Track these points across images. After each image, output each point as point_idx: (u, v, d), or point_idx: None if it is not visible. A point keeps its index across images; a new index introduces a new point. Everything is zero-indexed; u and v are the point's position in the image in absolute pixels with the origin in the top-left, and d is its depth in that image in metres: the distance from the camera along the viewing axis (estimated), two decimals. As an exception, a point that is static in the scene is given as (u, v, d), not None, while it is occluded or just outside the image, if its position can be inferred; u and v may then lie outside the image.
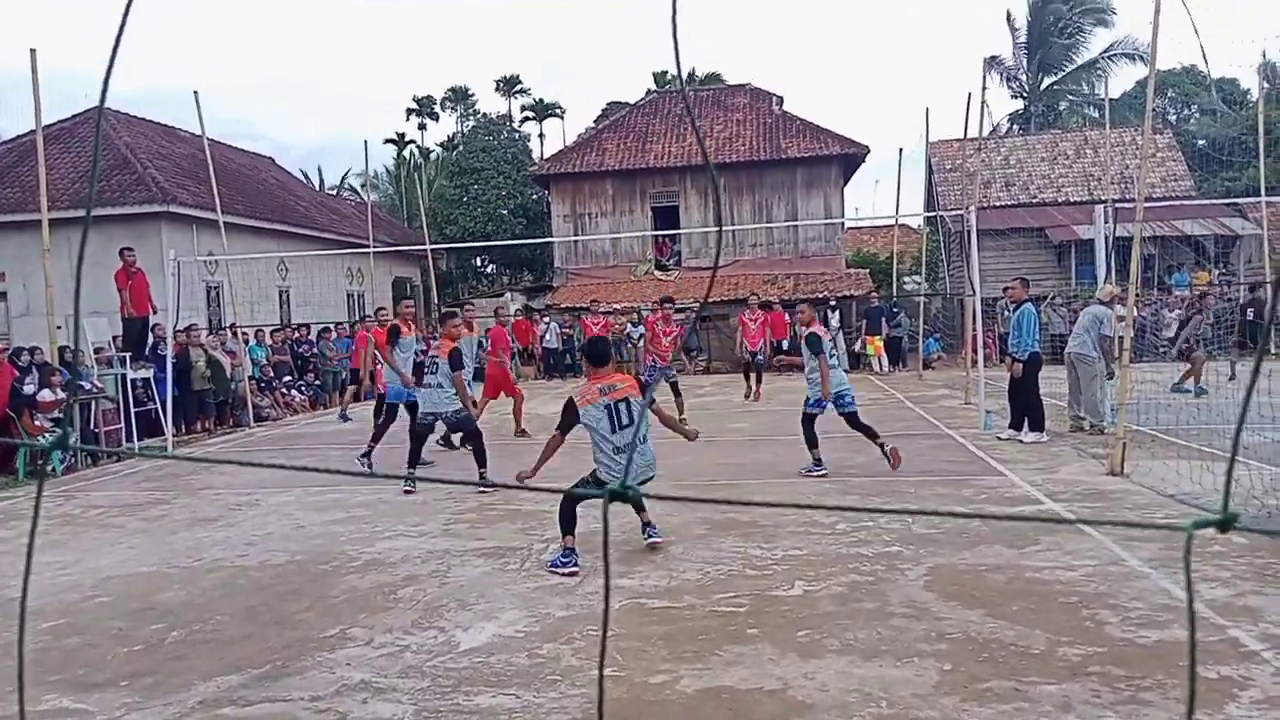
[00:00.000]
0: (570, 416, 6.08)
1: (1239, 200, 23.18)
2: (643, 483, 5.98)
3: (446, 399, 8.82)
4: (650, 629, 4.75)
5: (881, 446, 8.61)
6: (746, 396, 15.64)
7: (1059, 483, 8.05)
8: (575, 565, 5.88)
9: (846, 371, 9.11)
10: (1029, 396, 10.38)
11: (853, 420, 8.79)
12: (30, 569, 1.04)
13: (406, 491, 8.63)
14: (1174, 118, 39.96)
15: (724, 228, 25.45)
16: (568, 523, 6.00)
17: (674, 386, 12.89)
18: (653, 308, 14.88)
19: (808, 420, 8.90)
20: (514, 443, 11.33)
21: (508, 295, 28.87)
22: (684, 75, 0.91)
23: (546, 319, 23.60)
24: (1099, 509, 7.02)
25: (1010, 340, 10.75)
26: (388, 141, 47.24)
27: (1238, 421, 0.90)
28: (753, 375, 15.93)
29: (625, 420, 6.02)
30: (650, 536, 6.31)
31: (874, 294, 23.51)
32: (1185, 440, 9.13)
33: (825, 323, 22.88)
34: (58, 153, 19.58)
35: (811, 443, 8.85)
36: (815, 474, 8.71)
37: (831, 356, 8.95)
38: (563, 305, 25.33)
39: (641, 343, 23.18)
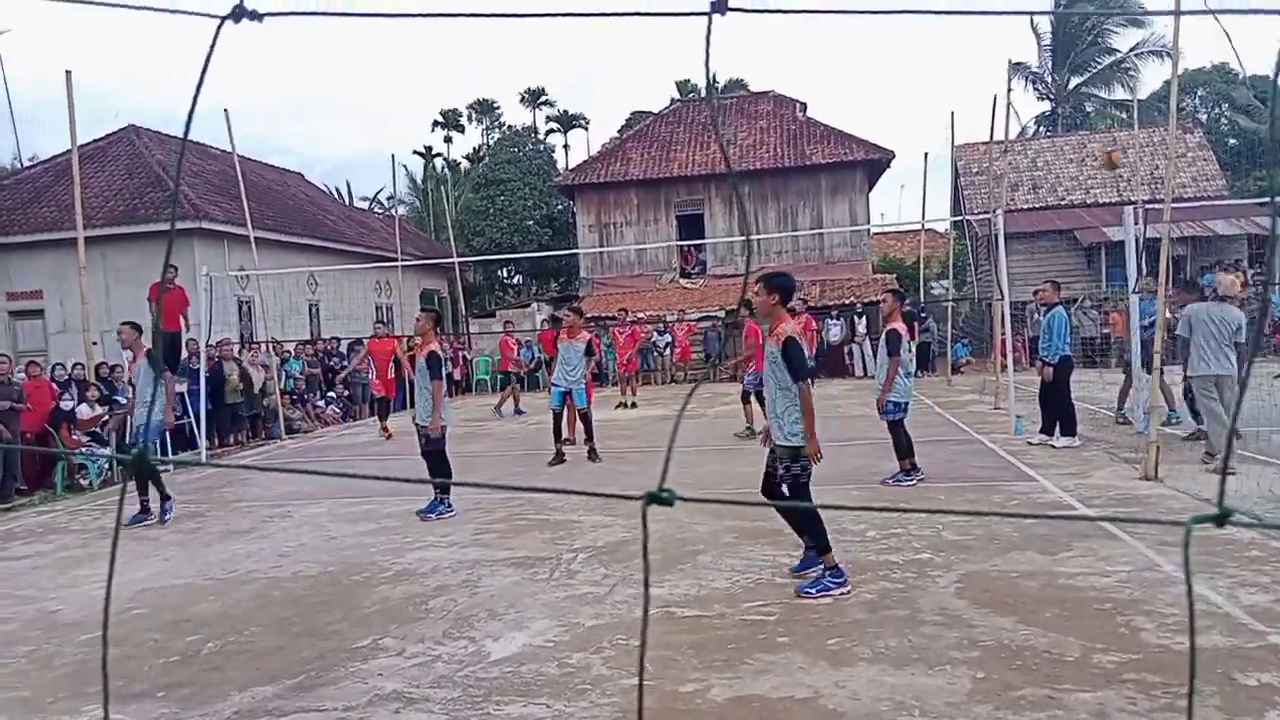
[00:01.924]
0: (802, 365, 5.43)
1: (1275, 199, 22.81)
2: (794, 449, 5.46)
3: (424, 411, 8.19)
4: (680, 638, 4.75)
5: (910, 467, 8.37)
6: (748, 434, 14.66)
7: (1092, 488, 7.96)
8: (844, 582, 5.38)
9: (911, 376, 8.77)
10: (1060, 400, 10.27)
11: (896, 427, 8.40)
12: (112, 574, 1.06)
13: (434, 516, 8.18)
14: (1204, 116, 39.45)
15: (751, 236, 25.45)
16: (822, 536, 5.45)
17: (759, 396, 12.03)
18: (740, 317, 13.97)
19: (896, 427, 8.42)
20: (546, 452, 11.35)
21: (534, 305, 29.00)
22: (712, 84, 0.93)
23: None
24: (1132, 514, 6.94)
25: (1041, 344, 10.62)
26: (415, 154, 47.68)
27: (1230, 423, 0.91)
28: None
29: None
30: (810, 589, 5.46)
31: (908, 300, 23.37)
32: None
33: (852, 329, 22.95)
34: (92, 172, 19.94)
35: (901, 451, 8.42)
36: (905, 484, 8.35)
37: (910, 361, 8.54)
38: (589, 315, 25.39)
39: (669, 351, 23.30)
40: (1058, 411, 10.30)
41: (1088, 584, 5.28)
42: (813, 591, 5.33)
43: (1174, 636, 4.40)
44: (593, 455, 10.92)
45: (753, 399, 12.02)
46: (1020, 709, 3.73)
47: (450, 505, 8.28)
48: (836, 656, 4.40)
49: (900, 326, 8.46)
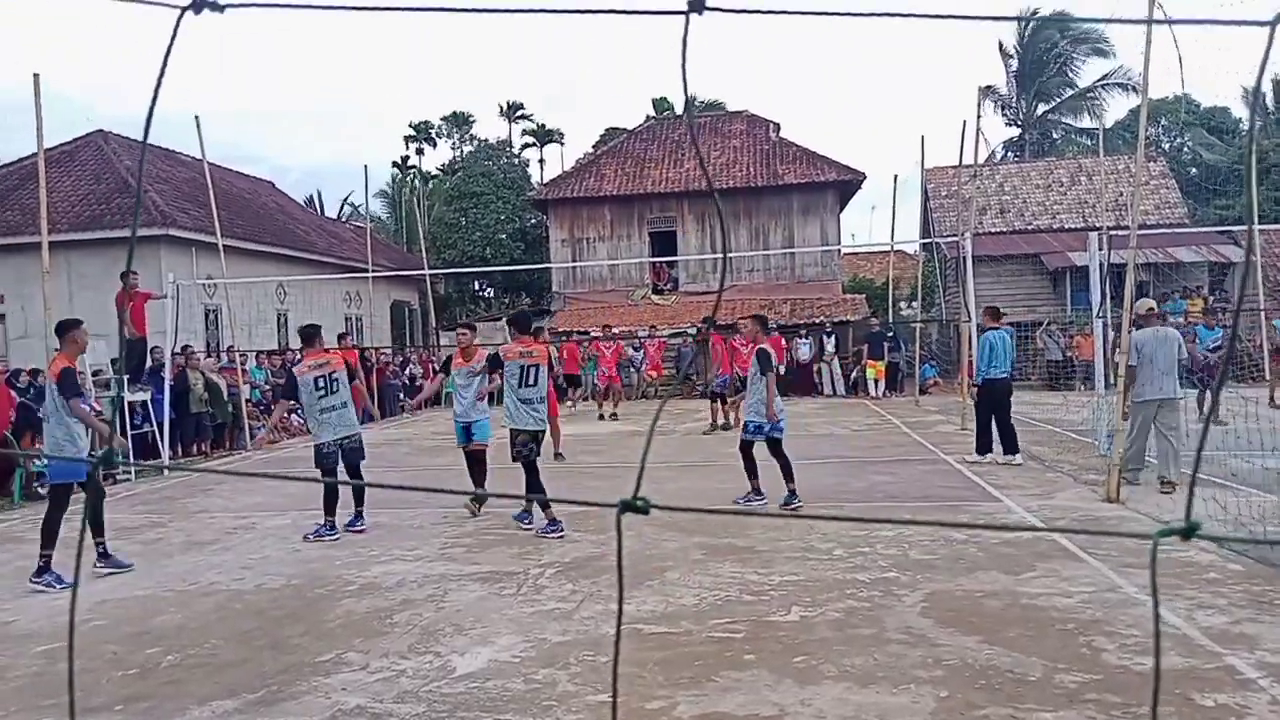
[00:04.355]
0: (496, 362, 8.16)
1: (1233, 228, 23.32)
2: (534, 433, 7.83)
3: (353, 419, 8.18)
4: (647, 654, 4.74)
5: (792, 492, 8.18)
6: (711, 430, 14.84)
7: (1055, 509, 8.06)
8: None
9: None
10: (981, 419, 10.79)
11: (775, 447, 8.39)
12: (77, 586, 1.05)
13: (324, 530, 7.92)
14: (1167, 145, 40.27)
15: (729, 254, 25.60)
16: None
17: (721, 397, 14.93)
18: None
19: (750, 446, 8.49)
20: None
21: (505, 319, 28.92)
22: (689, 101, 0.94)
23: (545, 343, 23.62)
24: (1095, 536, 7.04)
25: (979, 366, 11.10)
26: (393, 164, 47.45)
27: (1199, 440, 0.94)
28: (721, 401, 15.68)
29: (531, 381, 7.78)
30: (520, 520, 7.87)
31: (874, 319, 23.61)
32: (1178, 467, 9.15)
33: (821, 348, 23.11)
34: (58, 176, 19.66)
35: (751, 471, 8.48)
36: (755, 502, 8.40)
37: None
38: (561, 330, 25.39)
39: (644, 367, 23.34)
40: (985, 431, 10.72)
41: (1050, 604, 5.34)
42: None
43: (1134, 657, 4.46)
44: (475, 505, 8.56)
45: (717, 400, 14.87)
46: (983, 728, 3.76)
47: (363, 517, 8.16)
48: (803, 674, 4.41)
49: (769, 346, 8.71)
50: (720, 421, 14.91)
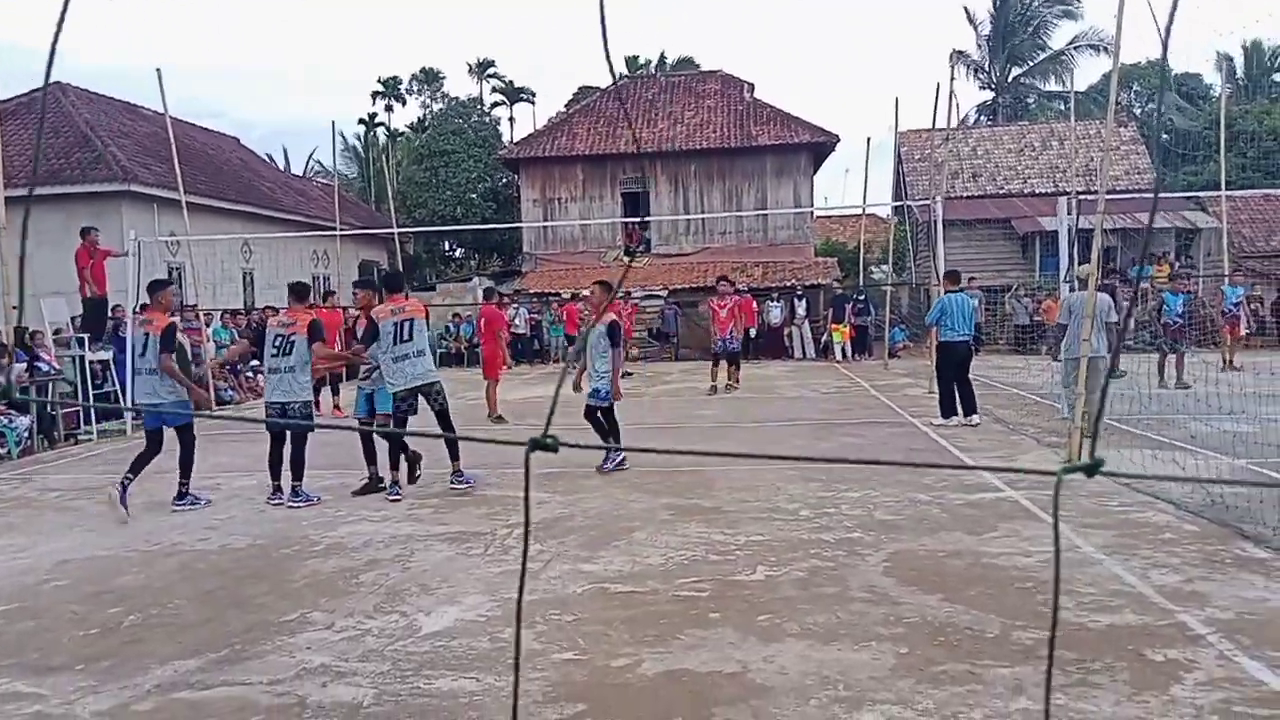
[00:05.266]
0: (372, 330, 7.74)
1: (1200, 194, 23.56)
2: (413, 389, 7.65)
3: (300, 386, 7.76)
4: (613, 613, 4.78)
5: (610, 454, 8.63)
6: (713, 390, 14.92)
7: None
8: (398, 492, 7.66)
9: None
10: (944, 382, 11.00)
11: (608, 414, 8.78)
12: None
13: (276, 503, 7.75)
14: (1139, 111, 40.49)
15: (679, 216, 25.45)
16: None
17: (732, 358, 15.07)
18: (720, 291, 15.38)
19: (596, 412, 8.78)
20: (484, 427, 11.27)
21: (475, 280, 28.70)
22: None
23: (515, 304, 23.55)
24: (1054, 496, 7.15)
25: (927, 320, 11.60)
26: (360, 122, 46.68)
27: (1101, 396, 0.96)
28: (726, 363, 15.83)
29: (405, 336, 7.61)
30: (455, 482, 7.68)
31: (836, 283, 23.72)
32: (1139, 430, 9.32)
33: (792, 312, 23.17)
34: (14, 129, 19.13)
35: (614, 433, 8.82)
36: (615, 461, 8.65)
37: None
38: (531, 290, 25.28)
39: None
40: (948, 395, 10.94)
41: (1010, 564, 5.43)
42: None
43: (1090, 615, 4.55)
44: (369, 487, 8.11)
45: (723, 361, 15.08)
46: (941, 683, 3.83)
47: (297, 492, 7.76)
48: (766, 632, 4.46)
49: (620, 318, 9.29)
50: (727, 382, 15.17)
